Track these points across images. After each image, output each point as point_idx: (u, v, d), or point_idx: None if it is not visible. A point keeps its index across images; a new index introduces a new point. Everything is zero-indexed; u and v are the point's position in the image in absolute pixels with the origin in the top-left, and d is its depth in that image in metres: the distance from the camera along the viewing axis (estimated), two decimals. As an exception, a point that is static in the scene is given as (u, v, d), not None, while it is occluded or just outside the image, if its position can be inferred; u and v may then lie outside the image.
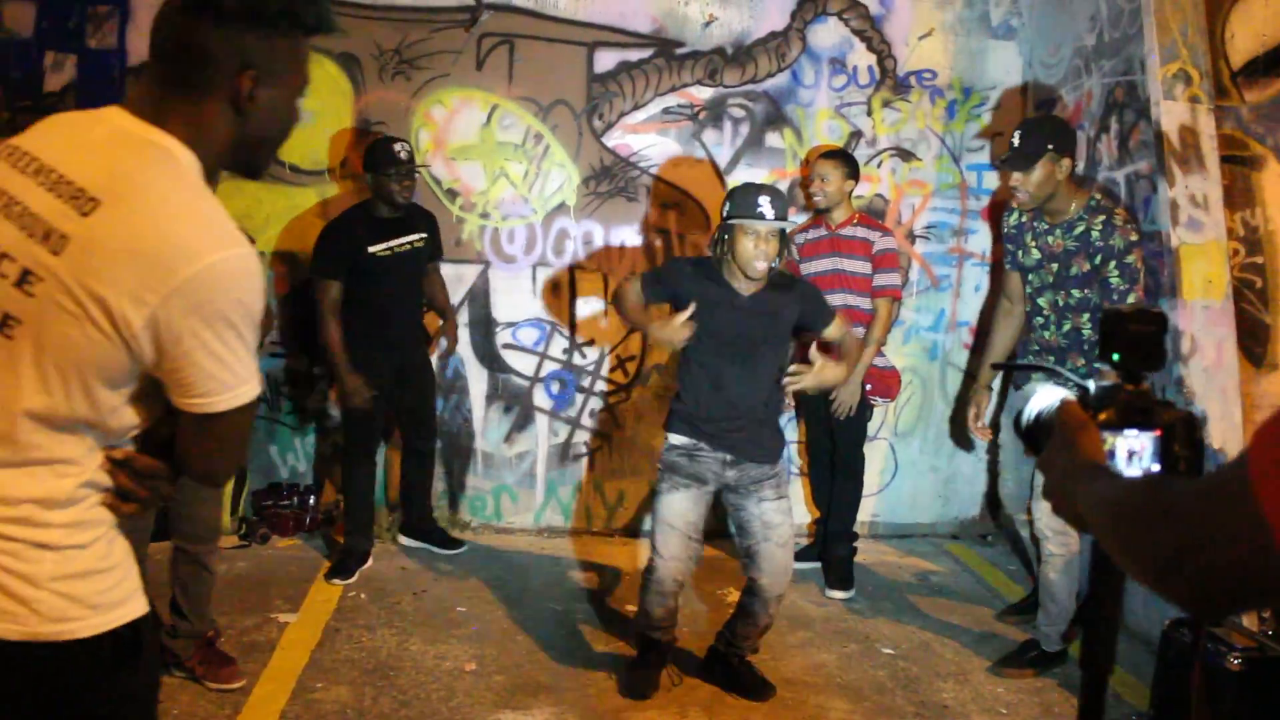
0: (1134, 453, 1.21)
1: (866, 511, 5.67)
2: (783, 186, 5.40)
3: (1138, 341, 1.24)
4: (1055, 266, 3.96)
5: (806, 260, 4.85)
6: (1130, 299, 3.76)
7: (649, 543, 4.81)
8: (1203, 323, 4.18)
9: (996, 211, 5.54)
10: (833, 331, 3.76)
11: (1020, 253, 4.12)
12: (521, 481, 5.49)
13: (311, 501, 5.24)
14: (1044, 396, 1.35)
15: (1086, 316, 3.92)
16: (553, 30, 5.21)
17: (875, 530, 5.70)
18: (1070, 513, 1.21)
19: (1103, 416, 1.22)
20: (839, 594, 4.81)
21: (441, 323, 5.05)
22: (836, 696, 3.81)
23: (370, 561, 4.85)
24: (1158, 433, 1.20)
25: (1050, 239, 3.97)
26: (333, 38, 5.21)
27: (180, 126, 1.54)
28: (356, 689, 3.66)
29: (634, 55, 5.28)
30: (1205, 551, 0.89)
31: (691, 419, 3.65)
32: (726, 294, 3.60)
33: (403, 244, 4.66)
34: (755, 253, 3.50)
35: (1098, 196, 3.98)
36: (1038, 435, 1.34)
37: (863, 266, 4.75)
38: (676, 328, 3.53)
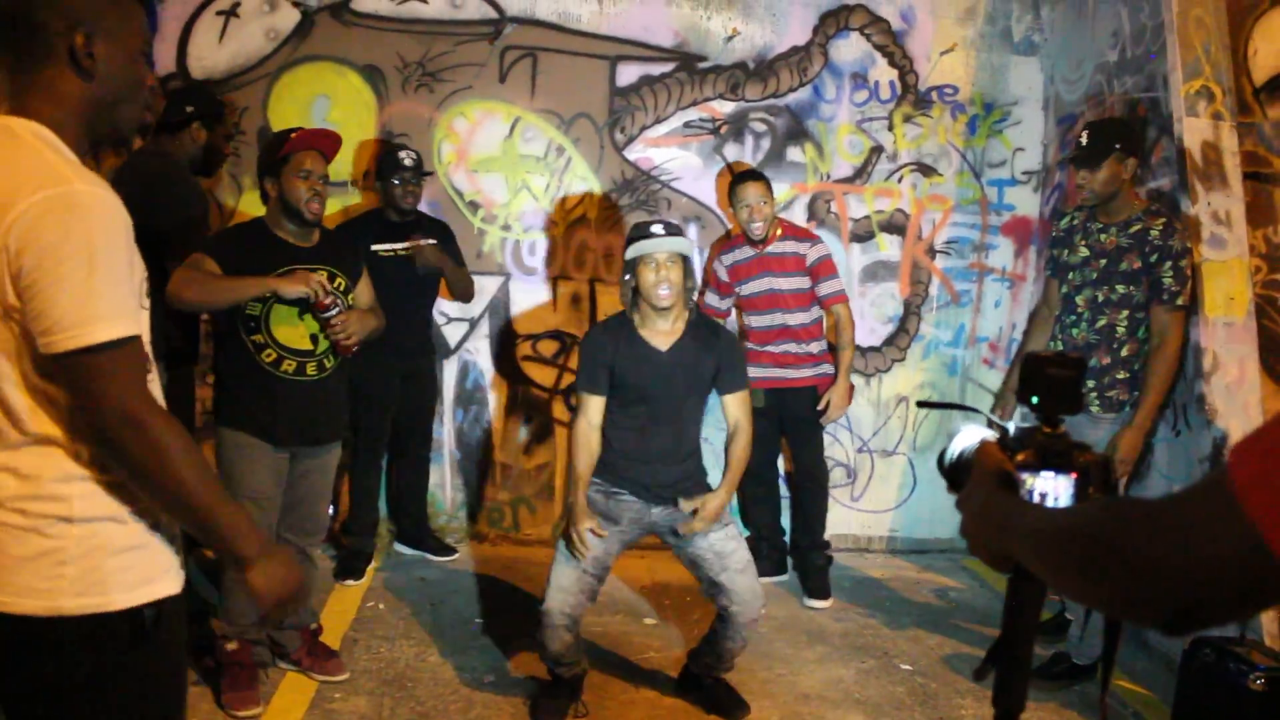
0: (1050, 494, 1.22)
1: (885, 527, 5.67)
2: (803, 201, 5.42)
3: (1055, 385, 1.26)
4: (1103, 263, 4.01)
5: (740, 283, 4.83)
6: (1179, 301, 3.88)
7: (665, 557, 4.77)
8: (1224, 340, 4.16)
9: (1017, 227, 5.55)
10: (731, 407, 3.62)
11: (1066, 252, 4.18)
12: (540, 493, 5.50)
13: (331, 511, 5.25)
14: (966, 436, 1.38)
15: (1125, 313, 3.98)
16: (575, 44, 5.24)
17: (893, 545, 5.68)
18: (988, 550, 1.22)
19: (1020, 457, 1.25)
20: (820, 604, 4.81)
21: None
22: (854, 712, 3.80)
23: (375, 562, 4.95)
24: (1074, 475, 1.22)
25: (1104, 237, 4.03)
26: (357, 50, 5.26)
27: (33, 102, 1.63)
28: (375, 700, 3.67)
29: (656, 69, 5.30)
30: (1186, 556, 0.89)
31: (615, 469, 3.58)
32: (644, 350, 3.53)
33: (408, 248, 4.70)
34: (656, 280, 3.41)
35: (1156, 204, 4.14)
36: (959, 474, 1.36)
37: (797, 282, 4.74)
38: (583, 535, 3.45)
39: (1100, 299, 4.02)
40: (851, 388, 4.99)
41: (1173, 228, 3.91)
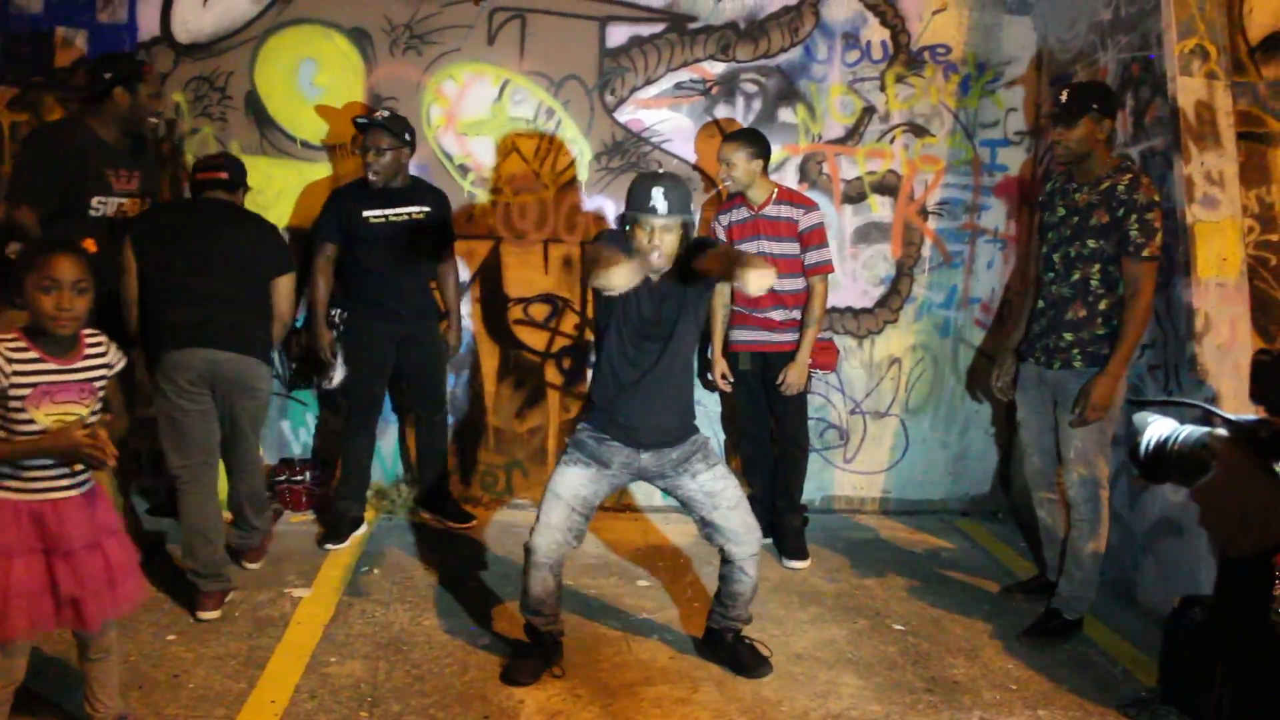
0: None
1: (877, 488, 5.69)
2: (794, 162, 5.39)
3: None
4: (1075, 219, 4.03)
5: (735, 243, 4.78)
6: (1145, 253, 3.85)
7: (658, 519, 4.79)
8: (1216, 300, 4.16)
9: (1010, 188, 5.53)
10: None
11: (1048, 214, 4.20)
12: (533, 457, 5.51)
13: (324, 476, 5.26)
14: (1161, 426, 1.40)
15: (1097, 267, 3.98)
16: (564, 4, 5.18)
17: (886, 507, 5.70)
18: (1253, 538, 1.25)
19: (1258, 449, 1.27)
20: (798, 564, 4.83)
21: (446, 315, 5.02)
22: (847, 672, 3.83)
23: (363, 528, 4.93)
24: None
25: (1077, 195, 4.05)
26: (343, 12, 5.22)
27: None
28: (370, 663, 3.69)
29: (646, 30, 5.25)
30: None
31: (604, 413, 3.56)
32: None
33: (399, 214, 4.69)
34: (648, 246, 3.34)
35: (1128, 161, 4.18)
36: (1160, 465, 1.38)
37: (787, 248, 4.69)
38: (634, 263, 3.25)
39: (1073, 254, 4.04)
40: (833, 353, 4.98)
41: (1137, 182, 3.90)
